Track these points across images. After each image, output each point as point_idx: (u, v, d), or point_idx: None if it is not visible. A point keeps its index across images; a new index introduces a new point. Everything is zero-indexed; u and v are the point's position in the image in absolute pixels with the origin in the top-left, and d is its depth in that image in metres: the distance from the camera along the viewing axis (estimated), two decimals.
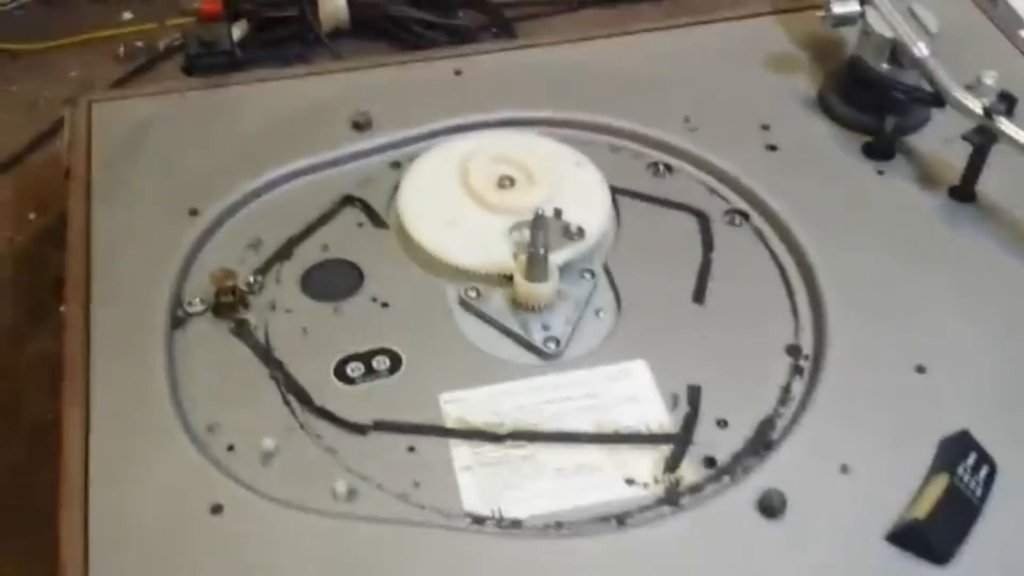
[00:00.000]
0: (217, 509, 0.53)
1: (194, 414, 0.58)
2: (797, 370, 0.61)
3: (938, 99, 0.70)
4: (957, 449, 0.55)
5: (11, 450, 0.70)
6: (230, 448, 0.57)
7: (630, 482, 0.56)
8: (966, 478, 0.53)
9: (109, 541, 0.52)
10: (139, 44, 1.01)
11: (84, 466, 0.55)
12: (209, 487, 0.54)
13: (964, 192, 0.70)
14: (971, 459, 0.54)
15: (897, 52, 0.72)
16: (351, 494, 0.55)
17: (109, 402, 0.58)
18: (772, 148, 0.73)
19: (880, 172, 0.72)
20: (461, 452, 0.57)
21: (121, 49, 1.00)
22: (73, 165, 0.72)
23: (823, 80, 0.78)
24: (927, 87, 0.71)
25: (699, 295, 0.65)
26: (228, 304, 0.63)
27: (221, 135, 0.73)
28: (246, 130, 0.74)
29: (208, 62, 0.77)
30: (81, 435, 0.57)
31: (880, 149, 0.72)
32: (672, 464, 0.57)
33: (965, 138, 0.68)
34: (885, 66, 0.73)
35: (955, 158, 0.70)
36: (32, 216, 0.84)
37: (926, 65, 0.70)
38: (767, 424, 0.58)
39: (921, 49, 0.71)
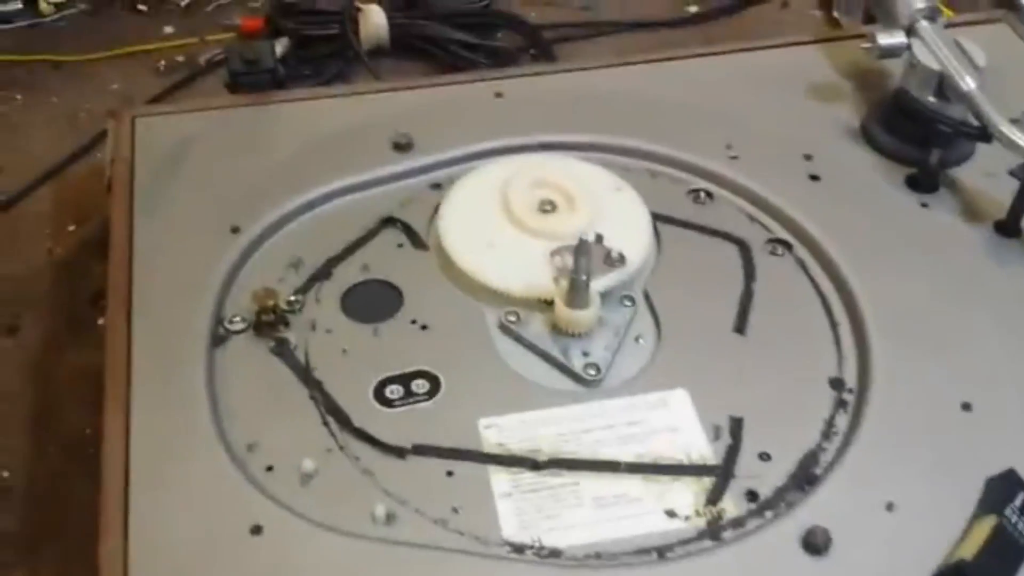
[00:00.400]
0: (257, 530, 0.53)
1: (233, 433, 0.58)
2: (841, 403, 0.60)
3: (984, 133, 0.70)
4: (1005, 489, 0.54)
5: (48, 461, 0.70)
6: (269, 468, 0.57)
7: (671, 514, 0.56)
8: (1014, 519, 0.52)
9: (148, 558, 0.52)
10: (179, 59, 1.02)
11: (124, 481, 0.55)
12: (249, 507, 0.54)
13: (1010, 227, 0.69)
14: (1019, 499, 0.53)
15: (943, 85, 0.72)
16: (390, 518, 0.55)
17: (149, 417, 0.58)
18: (815, 178, 0.73)
19: (924, 205, 0.71)
20: (500, 479, 0.57)
21: (162, 63, 1.01)
22: (116, 178, 0.72)
23: (867, 111, 0.77)
24: (973, 121, 0.71)
25: (740, 325, 0.65)
26: (268, 323, 0.63)
27: (263, 153, 0.73)
28: (287, 149, 0.74)
29: (252, 80, 0.77)
30: (122, 450, 0.57)
31: (924, 182, 0.72)
32: (714, 497, 0.56)
33: (1012, 173, 0.67)
34: (931, 99, 0.72)
35: (1000, 192, 0.70)
36: (71, 228, 0.85)
37: (973, 99, 0.70)
38: (810, 458, 0.58)
39: (968, 83, 0.70)
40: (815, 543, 0.52)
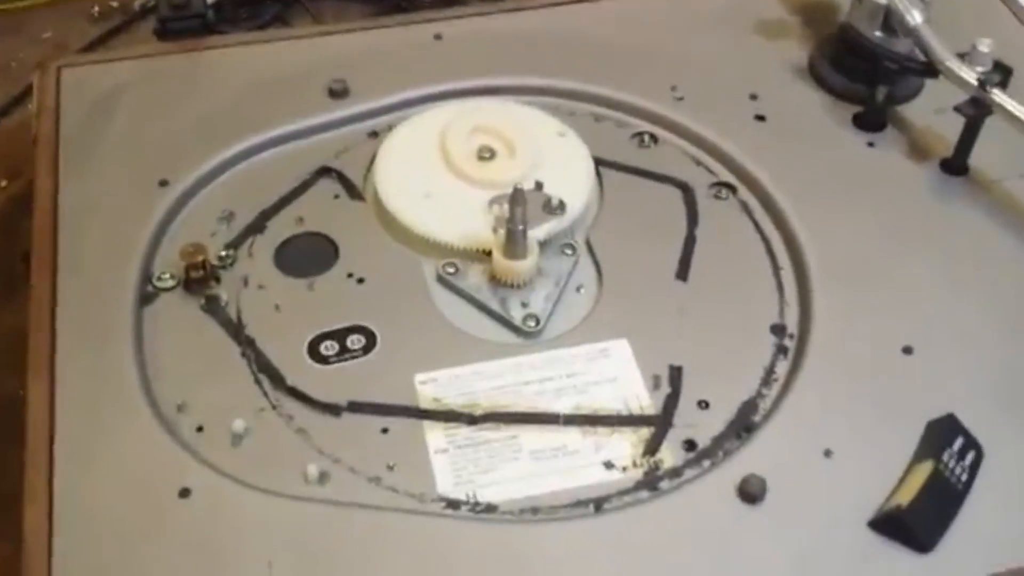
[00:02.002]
0: (185, 493, 0.52)
1: (163, 393, 0.57)
2: (782, 350, 0.59)
3: (931, 69, 0.68)
4: (943, 434, 0.53)
5: None
6: (199, 429, 0.55)
7: (608, 466, 0.55)
8: (951, 464, 0.52)
9: (75, 523, 0.51)
10: (114, 4, 0.98)
11: (49, 445, 0.54)
12: (177, 470, 0.53)
13: (956, 165, 0.68)
14: (957, 444, 0.53)
15: (890, 19, 0.70)
16: (323, 477, 0.54)
17: (75, 380, 0.57)
18: (760, 118, 0.71)
19: (870, 144, 0.70)
20: (436, 434, 0.56)
21: (96, 9, 0.97)
22: (41, 132, 0.69)
23: (814, 48, 0.75)
24: (920, 56, 0.69)
25: (683, 272, 0.63)
26: (199, 279, 0.61)
27: (193, 103, 0.71)
28: (219, 97, 0.71)
29: (181, 26, 0.75)
30: (46, 413, 0.55)
31: (871, 120, 0.71)
32: (652, 447, 0.55)
33: (957, 110, 0.66)
34: (878, 34, 0.71)
35: (948, 130, 0.69)
36: (3, 184, 0.82)
37: (919, 33, 0.68)
38: (749, 406, 0.57)
39: (915, 17, 0.68)
40: (751, 492, 0.52)
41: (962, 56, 0.67)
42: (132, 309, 0.60)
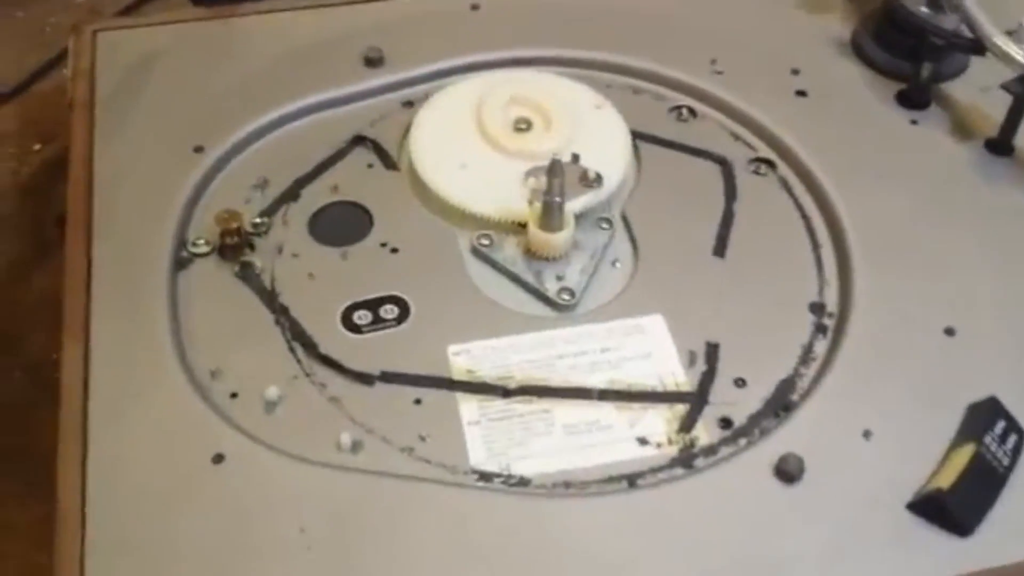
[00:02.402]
0: (219, 458, 0.52)
1: (197, 359, 0.57)
2: (820, 329, 0.59)
3: (978, 46, 0.67)
4: (985, 416, 0.52)
5: (12, 388, 0.69)
6: (233, 396, 0.55)
7: (643, 442, 0.54)
8: (993, 447, 0.51)
9: (108, 487, 0.51)
10: None
11: (83, 408, 0.54)
12: (211, 435, 0.53)
13: (1001, 144, 0.67)
14: (999, 427, 0.52)
15: None
16: (355, 446, 0.53)
17: (110, 344, 0.56)
18: (802, 94, 0.70)
19: (914, 121, 0.69)
20: (469, 406, 0.55)
21: None
22: (76, 95, 0.69)
23: (857, 23, 0.74)
24: (966, 33, 0.68)
25: (720, 248, 0.63)
26: (233, 246, 0.61)
27: (228, 69, 0.70)
28: (254, 64, 0.71)
29: None
30: (81, 377, 0.55)
31: (915, 97, 0.69)
32: (687, 424, 0.55)
33: (1004, 87, 0.65)
34: (924, 9, 0.69)
35: (993, 108, 0.67)
36: (37, 147, 0.82)
37: (966, 9, 0.67)
38: (787, 385, 0.56)
39: None
40: (788, 471, 0.51)
41: (1009, 34, 0.66)
42: (167, 274, 0.60)
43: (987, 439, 0.51)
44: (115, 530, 0.50)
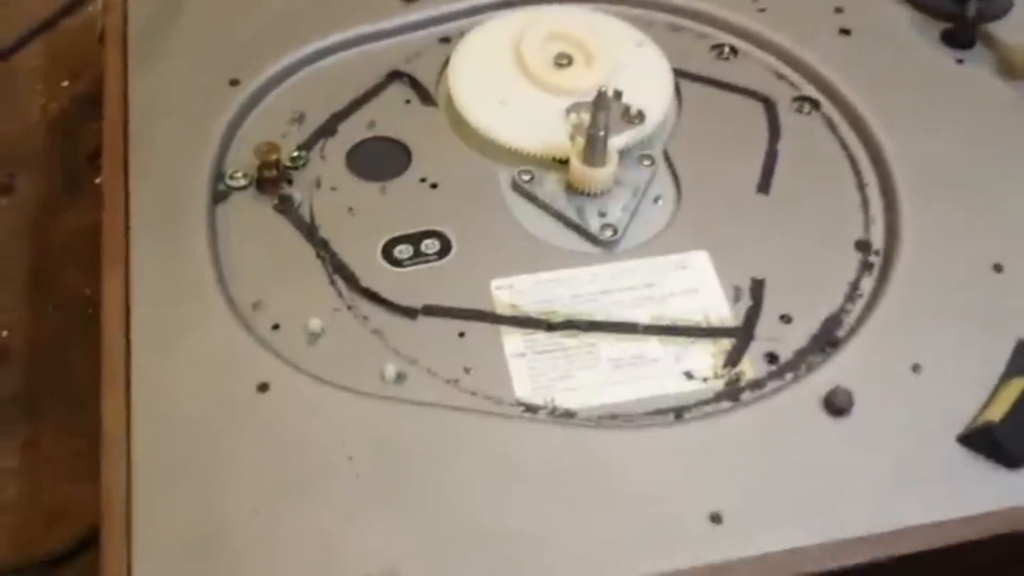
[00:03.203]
0: (264, 387, 0.52)
1: (238, 291, 0.56)
2: (866, 266, 0.58)
3: None
4: None
5: (46, 324, 0.68)
6: (275, 327, 0.55)
7: (688, 376, 0.54)
8: None
9: (152, 416, 0.51)
10: None
11: (126, 340, 0.54)
12: (255, 365, 0.52)
13: None
14: None
15: None
16: (400, 377, 0.53)
17: (150, 274, 0.56)
18: (845, 32, 0.69)
19: (959, 61, 0.68)
20: (513, 339, 0.55)
21: None
22: (108, 29, 0.68)
23: None
24: None
25: (764, 185, 0.62)
26: (271, 179, 0.61)
27: (263, 2, 0.69)
28: None
29: None
30: (122, 309, 0.55)
31: (960, 36, 0.68)
32: (733, 359, 0.54)
33: None
34: None
35: None
36: (65, 83, 0.81)
37: None
38: (833, 321, 0.56)
39: None
40: (837, 404, 0.51)
41: None
42: (205, 206, 0.59)
43: None
44: (161, 456, 0.50)
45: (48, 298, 0.69)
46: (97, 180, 0.72)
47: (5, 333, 0.68)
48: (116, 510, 0.48)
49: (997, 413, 0.50)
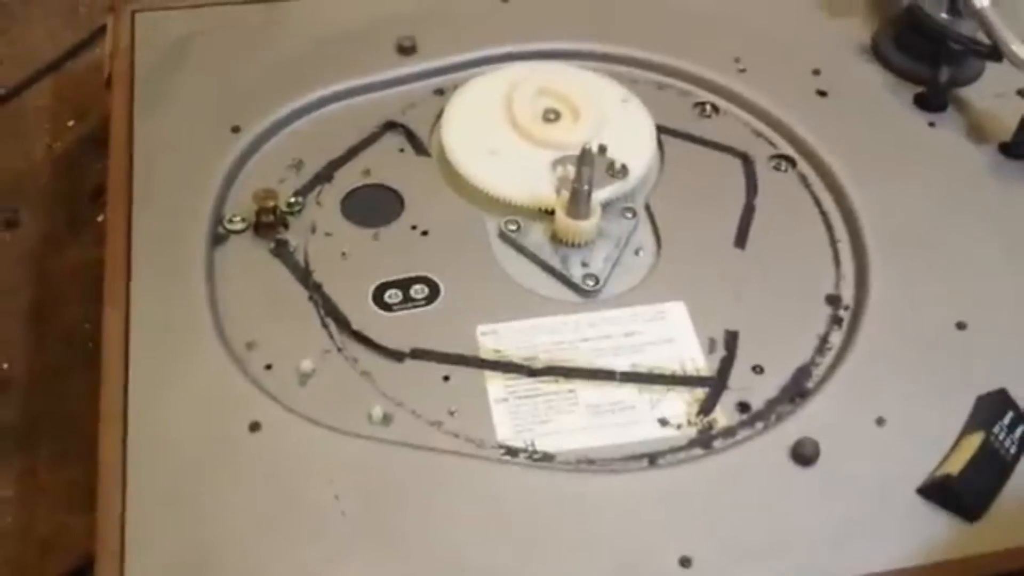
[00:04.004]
0: (255, 426, 0.54)
1: (233, 331, 0.58)
2: (836, 320, 0.61)
3: (995, 52, 0.69)
4: (994, 407, 0.55)
5: (45, 355, 0.71)
6: (268, 367, 0.57)
7: (663, 423, 0.56)
8: (1001, 436, 0.53)
9: (148, 452, 0.53)
10: None
11: (124, 373, 0.56)
12: (247, 404, 0.55)
13: (1015, 148, 0.69)
14: (1007, 418, 0.54)
15: (956, 1, 0.70)
16: (386, 419, 0.55)
17: (149, 314, 0.58)
18: (822, 94, 0.72)
19: (931, 124, 0.71)
20: (496, 384, 0.57)
21: None
22: (115, 73, 0.71)
23: (878, 26, 0.76)
24: (984, 39, 0.70)
25: (741, 239, 0.64)
26: (268, 224, 0.63)
27: (265, 52, 0.72)
28: (290, 48, 0.73)
29: None
30: (121, 347, 0.57)
31: (932, 100, 0.71)
32: (706, 407, 0.57)
33: (1021, 94, 0.67)
34: (943, 15, 0.71)
35: (1008, 114, 0.70)
36: (71, 123, 0.84)
37: (985, 16, 0.69)
38: (803, 372, 0.58)
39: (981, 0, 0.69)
40: (804, 454, 0.53)
41: None
42: (204, 249, 0.61)
43: (996, 429, 0.53)
44: (155, 492, 0.52)
45: (49, 331, 0.72)
46: (100, 218, 0.75)
47: (6, 365, 0.70)
48: (110, 539, 0.50)
49: (956, 466, 0.52)
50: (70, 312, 0.72)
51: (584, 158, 0.60)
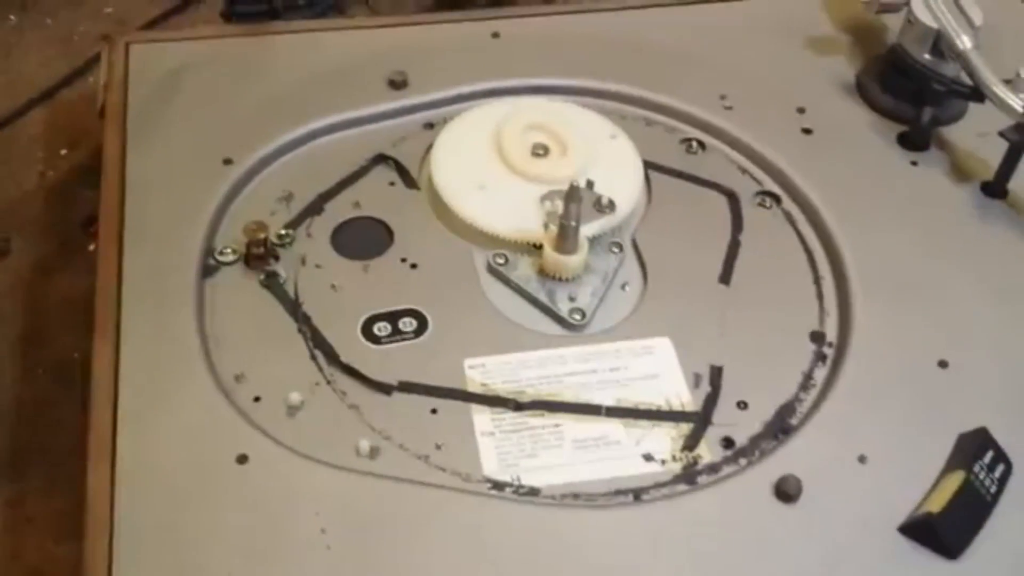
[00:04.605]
0: (243, 459, 0.54)
1: (222, 363, 0.59)
2: (820, 357, 0.61)
3: (977, 93, 0.70)
4: (975, 446, 0.55)
5: (34, 385, 0.71)
6: (256, 399, 0.58)
7: (648, 458, 0.57)
8: (982, 475, 0.54)
9: (136, 483, 0.53)
10: None
11: (113, 406, 0.56)
12: (235, 436, 0.55)
13: (996, 188, 0.70)
14: (988, 457, 0.55)
15: (940, 43, 0.72)
16: (374, 452, 0.56)
17: (138, 345, 0.59)
18: (807, 132, 0.73)
19: (914, 163, 0.72)
20: (482, 418, 0.58)
21: None
22: (109, 104, 0.72)
23: (862, 66, 0.77)
24: (967, 80, 0.71)
25: (726, 275, 0.65)
26: (259, 256, 0.64)
27: (257, 85, 0.73)
28: (282, 82, 0.74)
29: (248, 10, 0.77)
30: (111, 374, 0.57)
31: (915, 140, 0.72)
32: (691, 443, 0.57)
33: (1002, 135, 0.68)
34: (927, 56, 0.72)
35: (989, 154, 0.70)
36: (64, 152, 0.84)
37: (968, 58, 0.70)
38: (787, 409, 0.59)
39: (964, 42, 0.70)
40: (787, 491, 0.54)
41: (1007, 83, 0.69)
42: (194, 280, 0.62)
43: (976, 468, 0.54)
44: (143, 524, 0.52)
45: (38, 360, 0.72)
46: (91, 247, 0.75)
47: None
48: (97, 568, 0.50)
49: (937, 505, 0.53)
50: (60, 342, 0.73)
51: (572, 195, 0.61)
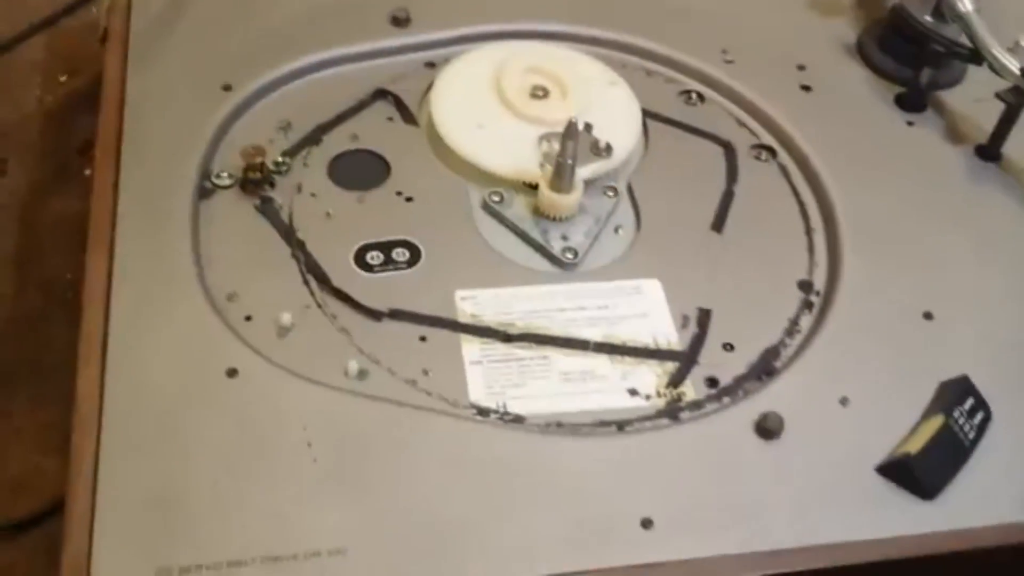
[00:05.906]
0: (232, 373, 0.55)
1: (215, 281, 0.59)
2: (807, 305, 0.62)
3: (976, 55, 0.70)
4: (956, 393, 0.56)
5: (25, 303, 0.71)
6: (248, 318, 0.58)
7: (633, 393, 0.57)
8: (961, 421, 0.55)
9: (125, 391, 0.53)
10: None
11: (104, 319, 0.56)
12: (226, 351, 0.55)
13: (990, 151, 0.70)
14: (968, 403, 0.55)
15: (941, 5, 0.72)
16: (362, 374, 0.56)
17: (132, 259, 0.59)
18: (806, 88, 0.73)
19: (910, 123, 0.72)
20: (471, 347, 0.58)
21: None
22: (111, 28, 0.72)
23: (864, 26, 0.78)
24: (967, 43, 0.72)
25: (718, 224, 0.66)
26: (255, 181, 0.64)
27: (260, 14, 0.73)
28: (286, 12, 0.74)
29: None
30: (103, 286, 0.57)
31: (912, 101, 0.73)
32: (675, 380, 0.58)
33: (999, 96, 0.68)
34: (928, 18, 0.73)
35: (985, 118, 0.71)
36: (63, 78, 0.84)
37: (969, 20, 0.70)
38: (772, 352, 0.60)
39: (966, 4, 0.71)
40: (768, 427, 0.54)
41: (1008, 50, 0.69)
42: (190, 201, 0.62)
43: (956, 413, 0.55)
44: (130, 432, 0.52)
45: (30, 279, 0.72)
46: (87, 172, 0.75)
47: None
48: (83, 476, 0.50)
49: (915, 446, 0.54)
50: (52, 261, 0.73)
51: (569, 131, 0.61)
